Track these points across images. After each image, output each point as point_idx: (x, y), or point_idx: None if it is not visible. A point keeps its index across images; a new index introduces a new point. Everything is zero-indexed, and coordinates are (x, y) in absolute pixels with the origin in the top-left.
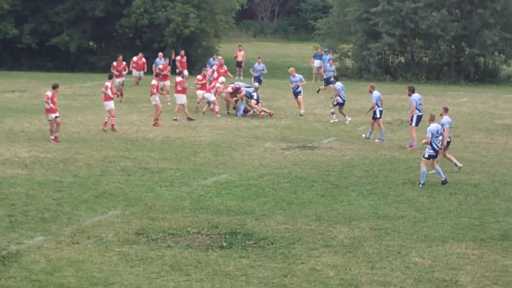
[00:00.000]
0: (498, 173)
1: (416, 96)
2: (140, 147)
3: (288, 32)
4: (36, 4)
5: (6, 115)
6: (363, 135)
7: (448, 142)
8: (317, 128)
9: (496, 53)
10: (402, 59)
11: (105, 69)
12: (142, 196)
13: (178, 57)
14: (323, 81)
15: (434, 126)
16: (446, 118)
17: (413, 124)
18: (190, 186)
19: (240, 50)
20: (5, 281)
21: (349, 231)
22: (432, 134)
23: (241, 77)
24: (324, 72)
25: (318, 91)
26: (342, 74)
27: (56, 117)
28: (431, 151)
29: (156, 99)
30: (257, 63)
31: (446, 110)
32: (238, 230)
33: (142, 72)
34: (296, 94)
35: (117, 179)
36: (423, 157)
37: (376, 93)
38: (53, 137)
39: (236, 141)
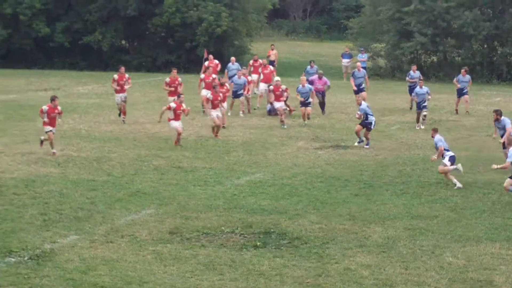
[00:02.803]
0: None
1: None
2: (173, 146)
3: (321, 31)
4: (68, 2)
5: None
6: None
7: None
8: (350, 128)
9: None
10: (435, 58)
11: (138, 68)
12: (176, 195)
13: (251, 62)
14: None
15: None
16: None
17: None
18: (224, 185)
19: (272, 49)
20: (39, 280)
21: (383, 230)
22: None
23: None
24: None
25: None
26: (375, 74)
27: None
28: None
29: (210, 112)
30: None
31: None
32: (272, 230)
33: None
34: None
35: (150, 178)
36: None
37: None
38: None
39: (269, 141)
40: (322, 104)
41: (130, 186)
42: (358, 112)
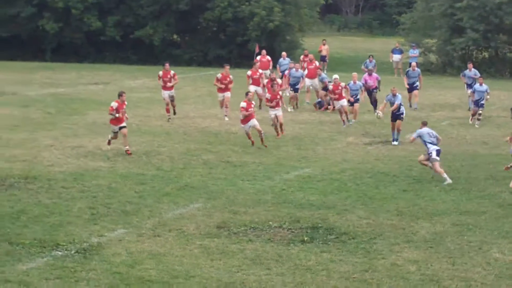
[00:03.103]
0: None
1: None
2: (223, 141)
3: (373, 27)
4: None
5: (90, 108)
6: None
7: None
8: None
9: None
10: (486, 54)
11: (189, 62)
12: (224, 190)
13: (301, 57)
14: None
15: None
16: None
17: None
18: (272, 180)
19: (324, 44)
20: (86, 273)
21: (430, 226)
22: None
23: (325, 71)
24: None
25: None
26: (426, 69)
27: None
28: None
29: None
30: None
31: None
32: (319, 225)
33: (268, 71)
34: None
35: (199, 172)
36: None
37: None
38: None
39: (319, 136)
40: (374, 103)
41: (178, 180)
42: (397, 102)
